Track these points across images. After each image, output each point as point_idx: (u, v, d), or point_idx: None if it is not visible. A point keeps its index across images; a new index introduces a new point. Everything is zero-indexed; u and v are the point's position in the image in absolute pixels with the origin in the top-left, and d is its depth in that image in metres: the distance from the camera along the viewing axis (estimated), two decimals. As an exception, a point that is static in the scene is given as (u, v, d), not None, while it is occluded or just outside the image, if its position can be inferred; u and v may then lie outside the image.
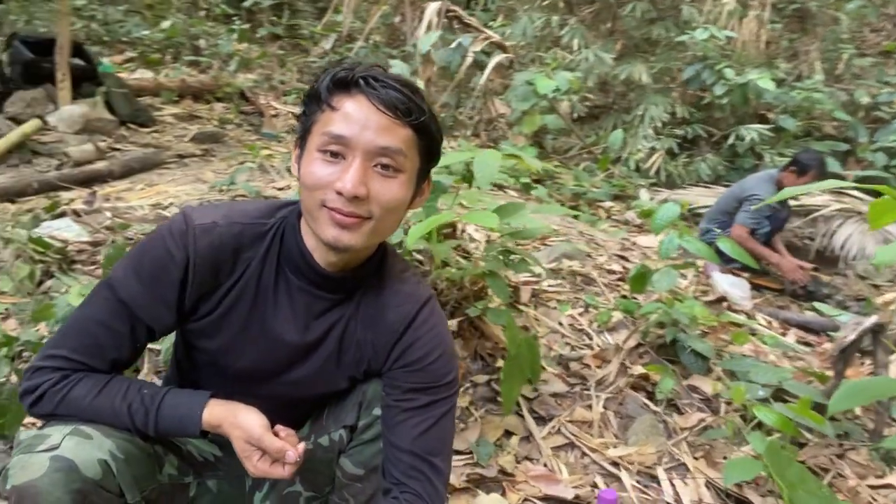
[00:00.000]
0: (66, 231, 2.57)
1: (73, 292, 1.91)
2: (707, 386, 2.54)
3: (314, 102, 1.06)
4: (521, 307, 2.81)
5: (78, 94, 4.60)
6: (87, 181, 3.48)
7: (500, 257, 2.16)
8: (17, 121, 4.22)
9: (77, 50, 4.92)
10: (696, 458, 2.10)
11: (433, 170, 1.17)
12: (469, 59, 4.99)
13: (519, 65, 5.81)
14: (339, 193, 1.00)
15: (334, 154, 1.02)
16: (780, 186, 4.41)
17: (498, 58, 5.26)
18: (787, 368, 2.31)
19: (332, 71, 1.06)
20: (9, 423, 1.66)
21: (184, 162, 4.04)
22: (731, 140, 6.13)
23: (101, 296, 1.10)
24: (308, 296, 1.16)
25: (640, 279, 2.87)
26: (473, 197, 2.41)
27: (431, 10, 4.88)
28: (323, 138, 1.02)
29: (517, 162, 4.83)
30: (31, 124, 4.08)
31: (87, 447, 1.00)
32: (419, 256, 2.59)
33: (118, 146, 4.25)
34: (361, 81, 1.02)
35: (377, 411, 1.20)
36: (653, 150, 6.23)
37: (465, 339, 2.44)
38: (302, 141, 1.09)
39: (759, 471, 1.62)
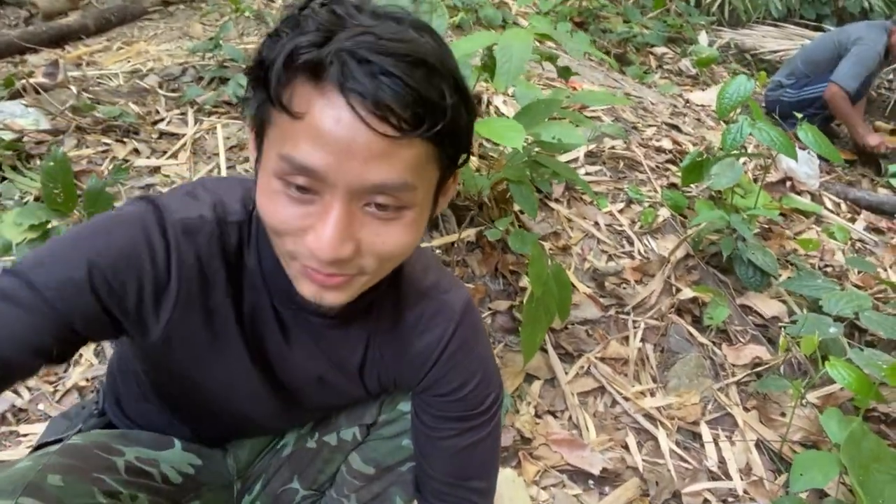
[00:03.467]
0: (20, 118, 2.17)
1: (6, 221, 1.58)
2: (765, 306, 2.20)
3: (261, 88, 0.61)
4: (552, 205, 2.42)
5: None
6: (58, 40, 2.99)
7: (527, 171, 1.74)
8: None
9: None
10: (746, 410, 1.81)
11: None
12: None
13: None
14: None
15: (302, 188, 0.61)
16: (891, 42, 3.67)
17: None
18: (863, 296, 1.93)
19: (286, 34, 0.59)
20: None
21: (168, 11, 3.48)
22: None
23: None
24: (308, 324, 0.84)
25: (695, 170, 2.43)
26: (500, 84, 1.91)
27: None
28: (282, 165, 0.60)
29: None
30: (-12, -33, 3.51)
31: None
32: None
33: (95, -7, 3.67)
34: (335, 67, 0.56)
35: (403, 407, 0.97)
36: (717, -21, 5.34)
37: (484, 254, 2.09)
38: (257, 136, 0.66)
39: (837, 472, 1.31)
